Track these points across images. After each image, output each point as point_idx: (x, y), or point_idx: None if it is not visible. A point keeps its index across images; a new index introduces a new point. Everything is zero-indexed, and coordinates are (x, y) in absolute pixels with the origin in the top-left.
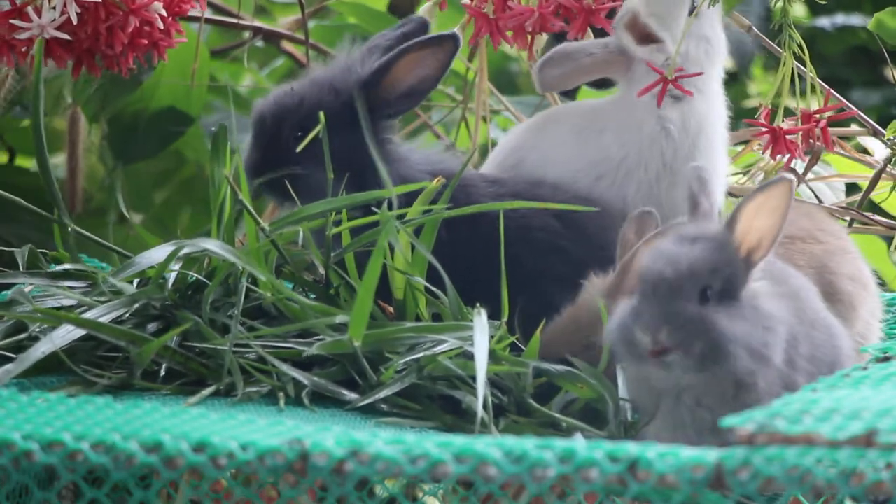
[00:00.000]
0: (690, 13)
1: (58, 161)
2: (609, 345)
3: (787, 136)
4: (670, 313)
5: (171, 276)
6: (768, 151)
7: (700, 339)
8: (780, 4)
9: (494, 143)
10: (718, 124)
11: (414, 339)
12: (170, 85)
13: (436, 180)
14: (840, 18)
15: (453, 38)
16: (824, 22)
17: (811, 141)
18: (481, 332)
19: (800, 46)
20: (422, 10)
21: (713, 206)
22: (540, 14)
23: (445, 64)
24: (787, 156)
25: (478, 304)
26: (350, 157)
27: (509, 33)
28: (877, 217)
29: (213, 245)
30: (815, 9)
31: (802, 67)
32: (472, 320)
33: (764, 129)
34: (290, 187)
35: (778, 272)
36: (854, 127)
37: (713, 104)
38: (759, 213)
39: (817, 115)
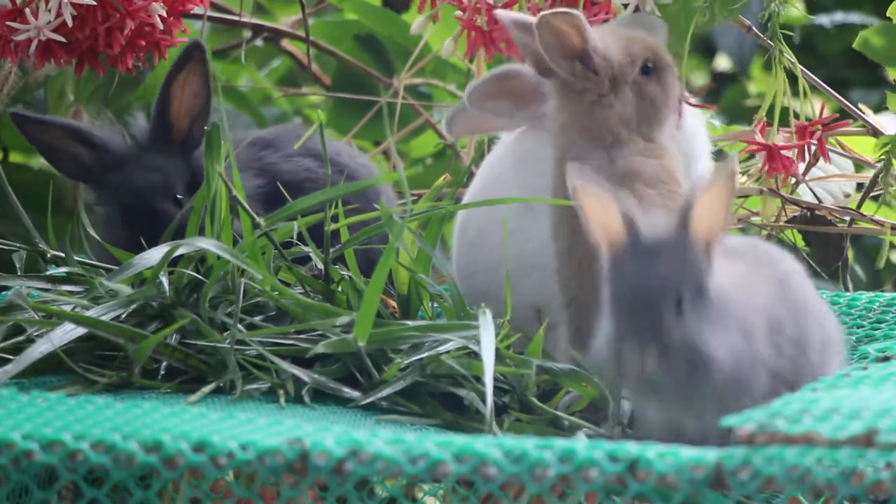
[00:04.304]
0: None
1: None
2: (595, 367)
3: (782, 153)
4: (655, 337)
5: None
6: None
7: (686, 359)
8: (771, 12)
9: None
10: (688, 153)
11: (418, 337)
12: None
13: (443, 177)
14: (839, 16)
15: (196, 47)
16: (823, 20)
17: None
18: (487, 331)
19: (792, 63)
20: (415, 24)
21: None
22: None
23: (205, 71)
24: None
25: (483, 304)
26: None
27: (502, 45)
28: (877, 217)
29: (208, 244)
30: (813, 7)
31: (803, 71)
32: (475, 318)
33: (758, 146)
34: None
35: (763, 255)
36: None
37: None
38: (706, 203)
39: (812, 129)
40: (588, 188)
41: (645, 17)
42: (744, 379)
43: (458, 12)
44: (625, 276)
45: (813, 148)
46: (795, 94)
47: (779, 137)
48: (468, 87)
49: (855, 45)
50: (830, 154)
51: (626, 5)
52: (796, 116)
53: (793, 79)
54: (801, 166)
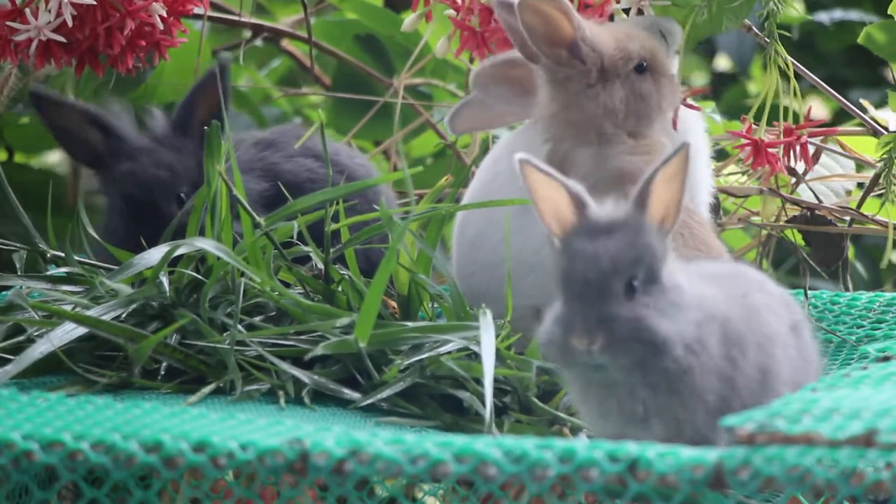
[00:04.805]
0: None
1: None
2: (543, 352)
3: (769, 149)
4: (602, 318)
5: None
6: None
7: (636, 342)
8: (769, 12)
9: (495, 140)
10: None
11: (418, 338)
12: (172, 83)
13: (445, 178)
14: (838, 13)
15: (221, 70)
16: (822, 17)
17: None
18: (488, 333)
19: (786, 64)
20: (407, 22)
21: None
22: None
23: (227, 88)
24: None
25: (483, 305)
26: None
27: (493, 45)
28: (878, 217)
29: (207, 244)
30: (812, 4)
31: (803, 71)
32: (475, 318)
33: (746, 142)
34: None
35: (713, 269)
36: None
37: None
38: (663, 184)
39: (798, 132)
40: (536, 168)
41: (664, 21)
42: (694, 369)
43: (451, 11)
44: (575, 257)
45: (809, 149)
46: (794, 94)
47: (768, 135)
48: (475, 68)
49: (860, 40)
50: (831, 152)
51: (626, 10)
52: (791, 115)
53: (790, 78)
54: (801, 166)
